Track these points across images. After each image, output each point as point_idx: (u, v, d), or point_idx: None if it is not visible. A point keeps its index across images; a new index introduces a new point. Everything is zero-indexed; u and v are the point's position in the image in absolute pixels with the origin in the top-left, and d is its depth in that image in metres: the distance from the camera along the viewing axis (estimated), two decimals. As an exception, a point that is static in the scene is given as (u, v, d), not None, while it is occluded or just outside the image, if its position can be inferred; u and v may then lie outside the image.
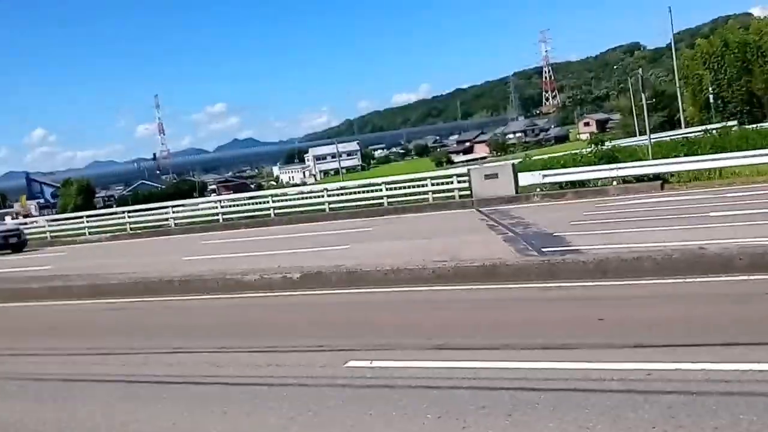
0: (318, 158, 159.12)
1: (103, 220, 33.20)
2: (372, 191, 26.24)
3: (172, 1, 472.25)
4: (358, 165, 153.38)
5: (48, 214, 71.02)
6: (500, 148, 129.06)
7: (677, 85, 62.03)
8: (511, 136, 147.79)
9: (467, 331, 6.86)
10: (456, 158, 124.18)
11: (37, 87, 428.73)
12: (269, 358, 6.69)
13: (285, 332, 7.92)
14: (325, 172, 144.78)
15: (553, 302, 7.88)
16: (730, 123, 42.56)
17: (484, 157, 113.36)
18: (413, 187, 25.40)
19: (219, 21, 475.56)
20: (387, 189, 25.44)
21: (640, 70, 27.78)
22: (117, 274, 13.87)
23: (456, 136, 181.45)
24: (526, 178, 22.65)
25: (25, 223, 42.33)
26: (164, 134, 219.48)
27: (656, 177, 21.10)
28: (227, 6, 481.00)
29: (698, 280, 7.97)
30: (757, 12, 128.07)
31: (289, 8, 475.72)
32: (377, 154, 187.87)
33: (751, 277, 7.76)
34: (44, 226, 34.96)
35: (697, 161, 21.28)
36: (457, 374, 5.48)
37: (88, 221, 32.56)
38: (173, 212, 30.42)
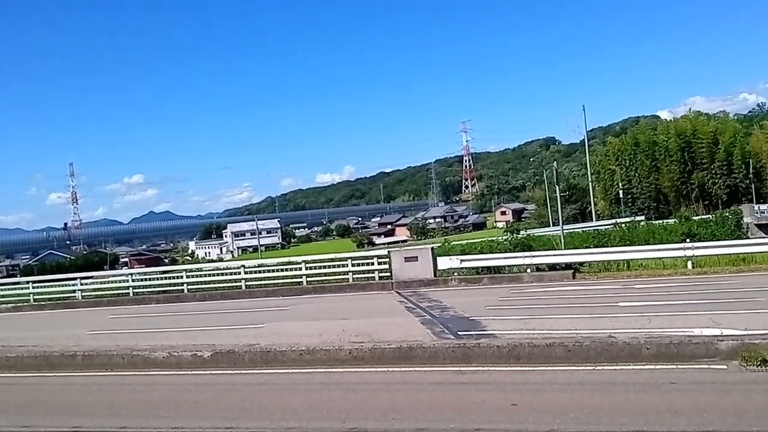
0: (237, 235, 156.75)
1: (4, 289, 31.45)
2: (291, 270, 25.95)
3: (92, 67, 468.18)
4: (279, 243, 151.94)
5: (-56, 282, 66.85)
6: (421, 232, 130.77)
7: (590, 179, 65.09)
8: (431, 220, 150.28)
9: (381, 415, 6.76)
10: (377, 240, 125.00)
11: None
12: (174, 440, 6.39)
13: (192, 413, 7.60)
14: (244, 249, 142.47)
15: (468, 386, 7.88)
16: (638, 218, 44.77)
17: (405, 241, 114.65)
18: (334, 267, 25.29)
19: (140, 90, 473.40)
20: (307, 268, 25.22)
21: (554, 164, 29.08)
22: (15, 347, 13.09)
23: (378, 219, 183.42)
24: (444, 262, 22.95)
25: None
26: (77, 204, 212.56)
27: (568, 266, 21.77)
28: (150, 75, 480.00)
29: (607, 367, 8.18)
30: (664, 115, 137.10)
31: (216, 83, 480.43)
32: (298, 233, 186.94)
33: (657, 367, 8.03)
34: (-62, 294, 32.83)
35: (607, 253, 22.17)
36: (370, 459, 5.36)
37: (-13, 291, 30.78)
38: (81, 284, 29.09)
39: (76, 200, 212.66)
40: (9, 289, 31.22)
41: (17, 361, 11.77)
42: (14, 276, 72.62)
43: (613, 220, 39.02)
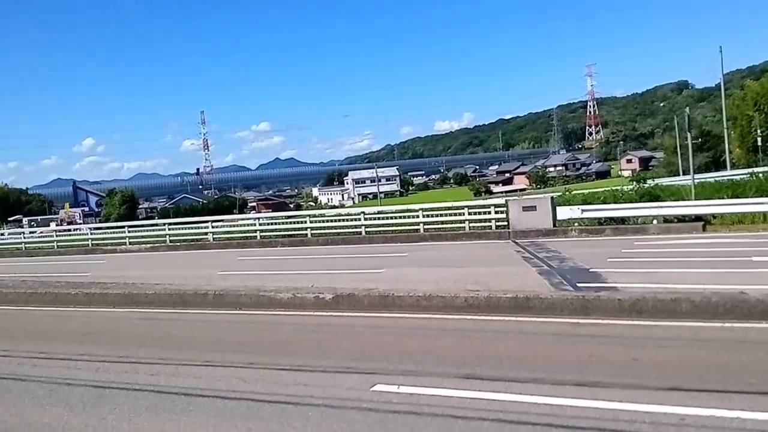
0: (357, 182, 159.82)
1: (143, 230, 33.73)
2: (409, 217, 26.21)
3: (225, 24, 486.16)
4: (397, 190, 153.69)
5: (91, 223, 72.55)
6: (540, 180, 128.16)
7: (725, 125, 60.96)
8: (551, 169, 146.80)
9: (497, 363, 6.79)
10: (495, 188, 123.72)
11: (89, 98, 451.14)
12: (296, 377, 6.72)
13: (314, 352, 7.94)
14: (364, 196, 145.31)
15: (587, 339, 7.75)
16: (777, 166, 41.60)
17: (524, 189, 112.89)
18: (450, 215, 25.30)
19: (268, 43, 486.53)
20: (424, 216, 25.37)
21: (686, 109, 27.39)
22: (153, 285, 14.10)
23: (496, 167, 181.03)
24: (564, 212, 22.41)
25: (68, 230, 43.33)
26: (208, 150, 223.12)
27: (698, 218, 20.68)
28: (276, 30, 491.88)
29: (737, 325, 7.79)
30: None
31: (337, 35, 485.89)
32: (416, 180, 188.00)
33: (793, 326, 7.57)
34: (87, 234, 35.71)
35: (741, 204, 20.81)
36: (484, 406, 5.42)
37: (129, 231, 33.09)
38: (212, 227, 30.74)
39: (208, 147, 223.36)
40: (148, 231, 33.52)
41: (155, 298, 12.68)
42: (152, 218, 77.72)
43: (750, 169, 36.51)
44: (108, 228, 38.78)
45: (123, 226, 34.87)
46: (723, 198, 22.08)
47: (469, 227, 23.90)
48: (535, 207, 22.52)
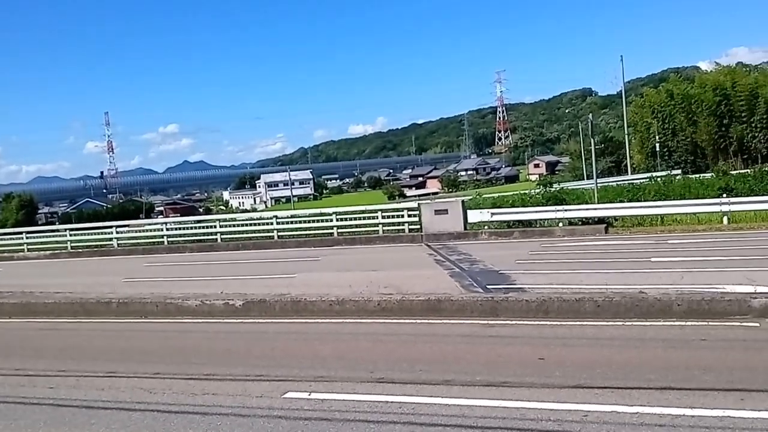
0: (270, 185, 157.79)
1: (43, 236, 32.15)
2: (323, 221, 26.11)
3: (131, 23, 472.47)
4: (311, 194, 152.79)
5: (-14, 229, 68.49)
6: (452, 184, 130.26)
7: (626, 131, 63.72)
8: (463, 173, 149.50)
9: (409, 366, 6.82)
10: (408, 192, 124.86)
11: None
12: (205, 386, 6.54)
13: (223, 360, 7.76)
14: (277, 200, 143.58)
15: (496, 339, 7.91)
16: (674, 172, 43.89)
17: (436, 193, 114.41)
18: (364, 218, 25.38)
19: (176, 43, 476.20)
20: (338, 219, 25.34)
21: (590, 116, 28.40)
22: (53, 294, 13.46)
23: (409, 171, 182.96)
24: (475, 215, 22.87)
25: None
26: (113, 153, 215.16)
27: (601, 220, 21.54)
28: (185, 30, 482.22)
29: (637, 323, 8.13)
30: (704, 66, 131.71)
31: (249, 35, 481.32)
32: (330, 184, 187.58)
33: (688, 323, 7.96)
34: (-20, 241, 33.74)
35: (641, 207, 21.84)
36: (396, 409, 5.43)
37: (27, 237, 31.49)
38: (117, 232, 29.65)
39: (112, 149, 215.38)
40: (47, 237, 32.00)
41: (55, 307, 12.10)
42: (53, 223, 74.38)
43: (649, 174, 38.31)
44: (4, 234, 36.71)
45: (21, 232, 33.14)
46: (624, 201, 23.08)
47: (383, 231, 24.03)
48: (446, 210, 22.87)
